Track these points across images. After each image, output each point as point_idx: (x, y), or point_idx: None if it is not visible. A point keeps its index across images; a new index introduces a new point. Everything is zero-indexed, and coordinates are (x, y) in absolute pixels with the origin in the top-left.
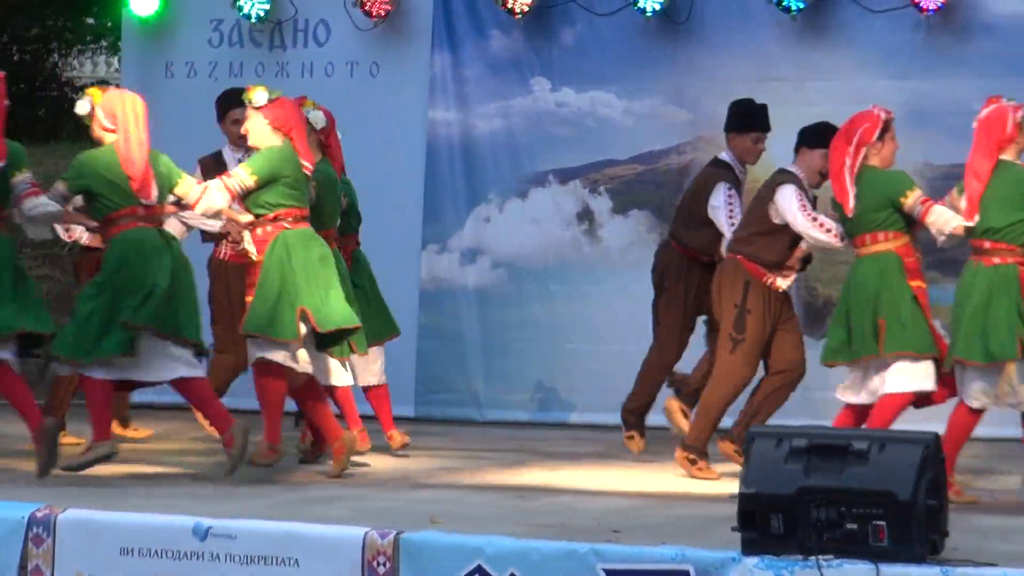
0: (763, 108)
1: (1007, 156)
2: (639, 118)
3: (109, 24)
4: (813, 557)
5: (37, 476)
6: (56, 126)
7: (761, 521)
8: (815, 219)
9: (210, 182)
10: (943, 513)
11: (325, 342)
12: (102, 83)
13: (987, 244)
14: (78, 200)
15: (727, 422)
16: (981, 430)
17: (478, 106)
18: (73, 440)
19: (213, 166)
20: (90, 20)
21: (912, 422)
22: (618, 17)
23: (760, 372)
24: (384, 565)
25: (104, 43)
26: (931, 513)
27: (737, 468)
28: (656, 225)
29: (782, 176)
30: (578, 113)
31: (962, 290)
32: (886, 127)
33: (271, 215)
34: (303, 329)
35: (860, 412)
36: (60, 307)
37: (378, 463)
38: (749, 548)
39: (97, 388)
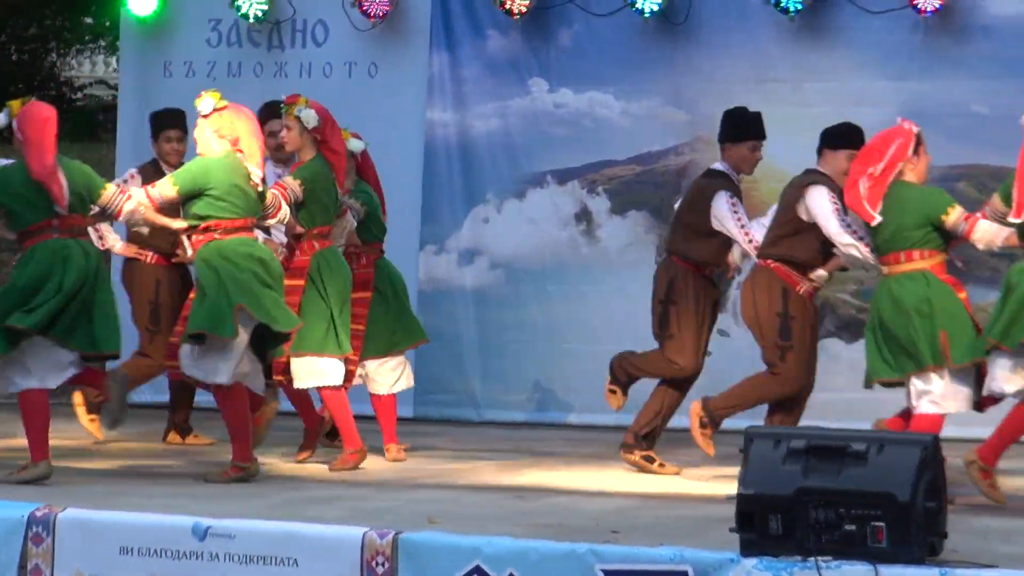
0: (757, 116)
1: None
2: (637, 119)
3: (107, 24)
4: (812, 558)
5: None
6: None
7: (760, 522)
8: (848, 225)
9: (134, 191)
10: (942, 514)
11: (267, 344)
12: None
13: None
14: None
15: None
16: (982, 431)
17: (476, 106)
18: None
19: (153, 174)
20: (88, 20)
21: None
22: (616, 18)
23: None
24: (383, 565)
25: (102, 43)
26: (930, 515)
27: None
28: (654, 226)
29: (812, 176)
30: (576, 114)
31: (1013, 279)
32: (919, 141)
33: (202, 226)
34: (242, 331)
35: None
36: None
37: (376, 464)
38: (748, 549)
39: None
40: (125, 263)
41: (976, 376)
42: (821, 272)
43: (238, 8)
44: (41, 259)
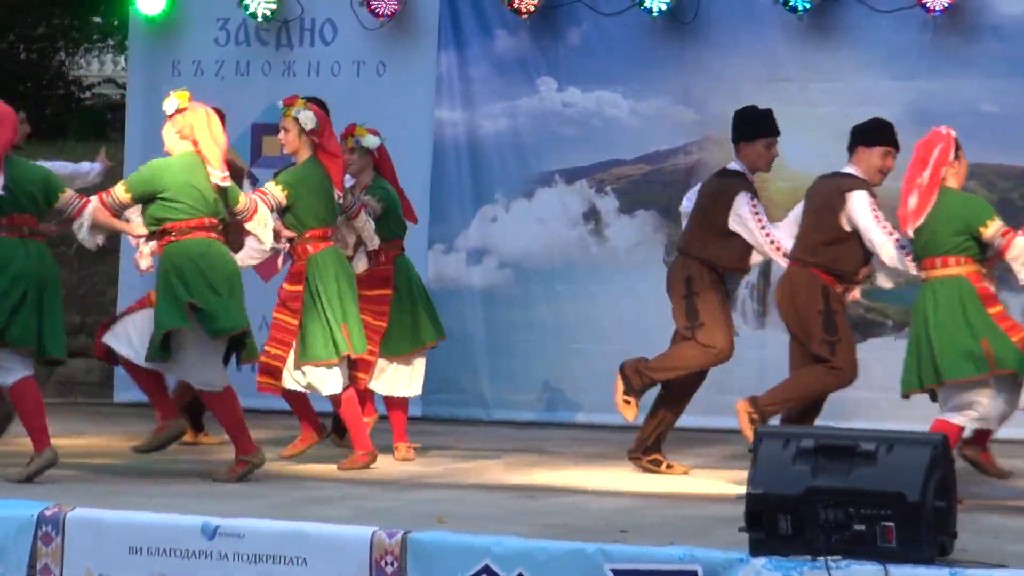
0: (768, 113)
1: None
2: (646, 118)
3: (116, 23)
4: (821, 558)
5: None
6: (63, 125)
7: (769, 522)
8: (891, 233)
9: (93, 196)
10: (952, 514)
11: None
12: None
13: None
14: None
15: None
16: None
17: (484, 106)
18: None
19: None
20: (97, 19)
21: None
22: (624, 17)
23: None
24: (392, 565)
25: (111, 42)
26: (940, 514)
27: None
28: (662, 225)
29: (849, 181)
30: (584, 113)
31: None
32: (957, 145)
33: (159, 229)
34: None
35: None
36: (67, 307)
37: (385, 463)
38: (757, 549)
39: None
40: None
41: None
42: (857, 293)
43: (246, 7)
44: None
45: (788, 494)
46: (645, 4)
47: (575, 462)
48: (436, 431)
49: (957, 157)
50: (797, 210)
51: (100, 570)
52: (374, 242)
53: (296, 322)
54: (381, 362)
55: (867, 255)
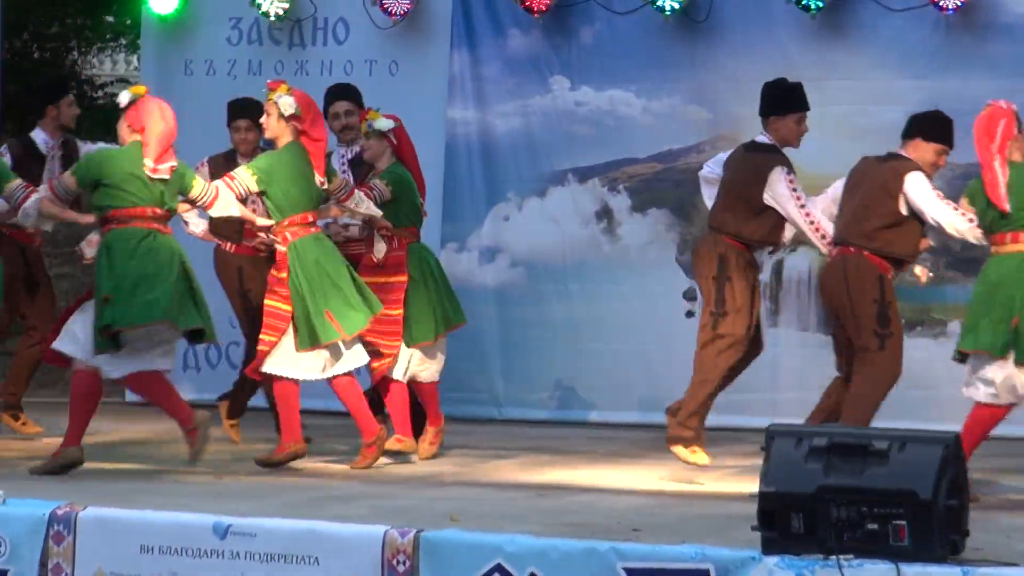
0: (799, 86)
1: None
2: (658, 117)
3: (128, 22)
4: (833, 557)
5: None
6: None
7: (781, 520)
8: (955, 208)
9: (42, 186)
10: (964, 513)
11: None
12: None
13: None
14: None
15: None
16: (1006, 428)
17: (497, 105)
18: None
19: (224, 165)
20: (110, 18)
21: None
22: (637, 16)
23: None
24: (404, 563)
25: (123, 41)
26: (952, 513)
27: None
28: (675, 224)
29: (902, 163)
30: (597, 112)
31: None
32: (1018, 118)
33: (102, 216)
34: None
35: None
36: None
37: (396, 463)
38: (769, 547)
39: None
40: (216, 255)
41: None
42: (919, 270)
43: (259, 6)
44: None
45: (800, 493)
46: (658, 3)
47: (588, 461)
48: (449, 430)
49: (1021, 131)
50: (833, 189)
51: (112, 569)
52: (377, 213)
53: (286, 308)
54: (412, 350)
55: (922, 236)
